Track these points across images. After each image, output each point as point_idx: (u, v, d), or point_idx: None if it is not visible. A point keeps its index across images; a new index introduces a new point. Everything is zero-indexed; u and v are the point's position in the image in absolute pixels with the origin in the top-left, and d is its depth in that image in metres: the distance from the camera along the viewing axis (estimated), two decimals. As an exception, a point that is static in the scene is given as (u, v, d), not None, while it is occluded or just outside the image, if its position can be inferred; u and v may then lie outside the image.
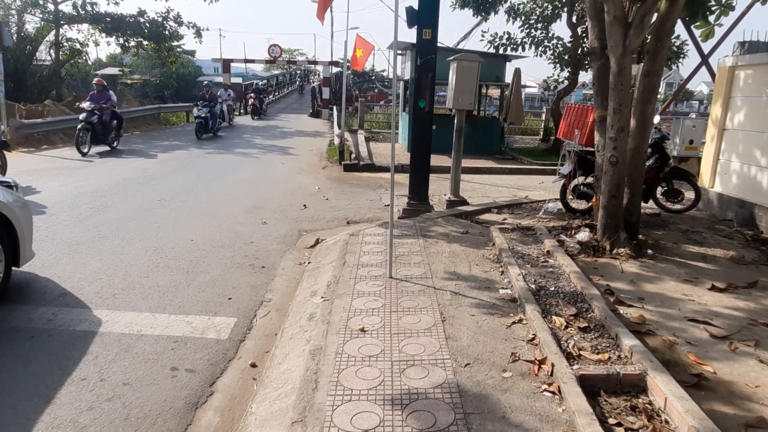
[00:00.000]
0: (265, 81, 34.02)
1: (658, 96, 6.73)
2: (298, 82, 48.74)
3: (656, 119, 7.75)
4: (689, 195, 7.35)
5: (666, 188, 7.32)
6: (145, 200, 7.67)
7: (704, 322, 3.83)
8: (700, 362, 3.24)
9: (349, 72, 26.74)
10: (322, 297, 4.19)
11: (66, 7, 20.34)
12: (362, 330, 3.53)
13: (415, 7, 6.53)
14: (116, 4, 20.84)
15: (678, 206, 7.33)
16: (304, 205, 7.89)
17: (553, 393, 2.79)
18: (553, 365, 2.96)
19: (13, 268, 4.24)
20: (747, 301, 4.28)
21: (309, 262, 5.39)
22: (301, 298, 4.40)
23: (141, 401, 2.94)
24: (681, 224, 6.66)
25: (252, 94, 24.45)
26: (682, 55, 13.26)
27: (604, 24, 5.31)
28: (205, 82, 23.87)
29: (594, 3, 5.60)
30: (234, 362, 3.46)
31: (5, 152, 8.98)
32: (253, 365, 3.43)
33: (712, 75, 9.32)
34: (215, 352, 3.54)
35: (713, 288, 4.53)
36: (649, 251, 5.41)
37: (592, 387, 2.83)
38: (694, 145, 9.67)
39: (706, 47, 11.50)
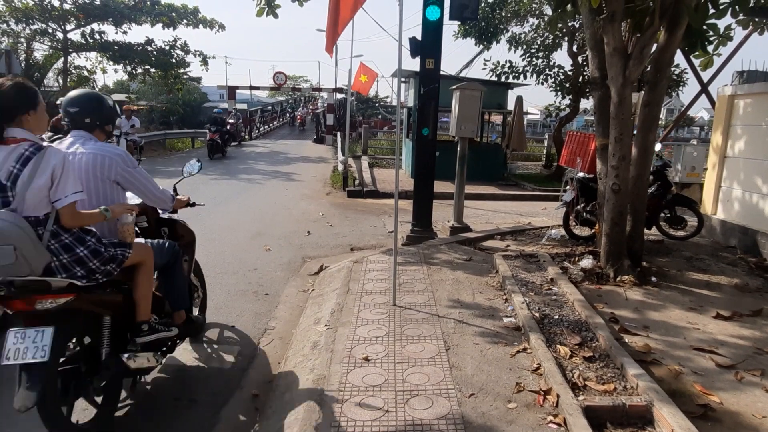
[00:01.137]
0: (232, 110, 24.08)
1: (660, 122, 6.82)
2: (289, 112, 38.62)
3: (657, 147, 7.82)
4: (692, 222, 7.37)
5: (669, 215, 7.34)
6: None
7: (710, 351, 3.81)
8: (707, 392, 3.21)
9: (353, 98, 27.09)
10: (325, 325, 4.18)
11: (75, 36, 20.78)
12: (366, 359, 3.52)
13: (419, 37, 6.67)
14: (124, 33, 21.24)
15: (681, 233, 7.34)
16: (308, 232, 7.92)
17: (559, 425, 2.76)
18: (558, 396, 2.94)
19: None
20: (752, 330, 4.25)
21: (313, 290, 5.39)
22: (305, 326, 4.39)
23: (143, 432, 2.92)
24: (684, 251, 6.65)
25: (210, 127, 17.68)
26: (681, 84, 13.43)
27: (604, 55, 5.41)
28: (216, 109, 23.83)
29: (594, 34, 5.71)
30: (237, 392, 3.44)
31: None
32: (256, 395, 3.41)
33: (712, 103, 9.43)
34: (218, 381, 3.52)
35: (718, 316, 4.51)
36: (653, 279, 5.40)
37: (598, 418, 2.80)
38: (696, 171, 9.74)
39: (705, 75, 11.64)
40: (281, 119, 38.59)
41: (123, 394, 3.19)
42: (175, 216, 3.79)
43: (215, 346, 4.01)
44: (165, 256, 3.21)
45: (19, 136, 2.39)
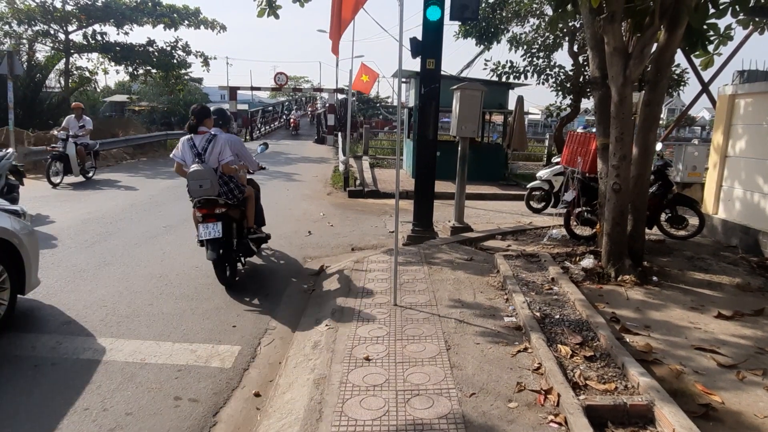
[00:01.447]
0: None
1: (661, 122, 6.83)
2: (285, 116, 36.31)
3: (658, 146, 7.82)
4: (693, 221, 7.36)
5: (670, 215, 7.34)
6: (151, 227, 7.72)
7: (711, 350, 3.80)
8: (708, 392, 3.20)
9: (354, 99, 27.06)
10: (326, 325, 4.18)
11: (77, 37, 20.82)
12: (367, 359, 3.51)
13: (419, 37, 6.67)
14: (126, 34, 21.31)
15: (682, 233, 7.33)
16: (309, 232, 7.92)
17: (560, 424, 2.76)
18: (559, 395, 2.94)
19: (19, 295, 4.26)
20: (754, 329, 4.24)
21: (313, 290, 5.39)
22: (306, 326, 4.39)
23: None
24: (686, 251, 6.64)
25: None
26: (682, 83, 13.41)
27: (604, 54, 5.40)
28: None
29: (594, 34, 5.71)
30: (238, 391, 3.44)
31: (15, 178, 9.16)
32: (257, 395, 3.41)
33: (713, 102, 9.42)
34: (219, 381, 3.53)
35: (719, 316, 4.50)
36: (654, 278, 5.39)
37: (599, 418, 2.80)
38: (697, 171, 9.73)
39: (706, 75, 11.65)
40: (282, 120, 38.30)
41: (129, 391, 3.20)
42: (252, 176, 6.35)
43: (216, 346, 4.02)
44: (255, 194, 5.97)
45: (203, 130, 5.22)
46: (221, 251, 5.11)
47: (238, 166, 5.47)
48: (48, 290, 4.89)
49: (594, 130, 7.11)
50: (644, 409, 2.86)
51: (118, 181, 12.34)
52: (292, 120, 33.06)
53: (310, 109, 42.06)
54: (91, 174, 12.33)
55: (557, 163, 10.29)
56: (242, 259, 5.71)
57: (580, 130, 9.64)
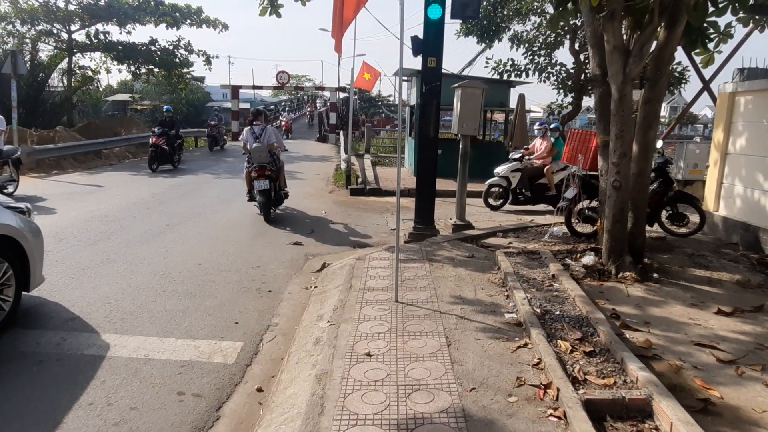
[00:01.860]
0: (215, 108, 25.07)
1: (663, 120, 6.85)
2: (281, 118, 30.94)
3: (659, 144, 7.84)
4: (694, 219, 7.37)
5: (671, 212, 7.35)
6: (154, 225, 7.77)
7: (711, 346, 3.82)
8: (707, 387, 3.23)
9: (356, 97, 27.06)
10: (328, 321, 4.22)
11: (79, 36, 20.89)
12: (368, 354, 3.55)
13: (420, 36, 6.69)
14: (128, 33, 21.37)
15: (683, 230, 7.34)
16: (311, 230, 7.96)
17: (559, 418, 2.79)
18: (558, 390, 2.97)
19: (23, 292, 4.30)
20: (753, 325, 4.26)
21: (315, 287, 5.43)
22: (308, 323, 4.43)
23: (148, 426, 2.96)
24: (686, 248, 6.66)
25: (155, 129, 14.89)
26: (684, 81, 13.38)
27: (604, 52, 5.42)
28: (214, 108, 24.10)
29: (594, 32, 5.72)
30: (240, 387, 3.48)
31: (18, 172, 9.55)
32: (260, 390, 3.45)
33: (714, 100, 9.42)
34: (222, 376, 3.57)
35: (719, 312, 4.52)
36: (655, 275, 5.41)
37: (597, 412, 2.82)
38: (699, 168, 9.74)
39: (707, 73, 11.61)
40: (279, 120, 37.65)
41: (133, 386, 3.24)
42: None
43: (219, 342, 4.05)
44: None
45: (257, 123, 8.85)
46: (267, 198, 8.33)
47: (276, 145, 8.84)
48: (52, 287, 4.94)
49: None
50: (643, 403, 2.88)
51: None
52: (284, 123, 30.01)
53: (308, 108, 40.31)
54: (11, 189, 9.50)
55: (515, 159, 10.38)
56: (276, 205, 8.94)
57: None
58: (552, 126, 10.71)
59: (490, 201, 10.27)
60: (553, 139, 10.40)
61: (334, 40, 5.07)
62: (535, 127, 10.91)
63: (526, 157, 10.48)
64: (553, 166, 10.21)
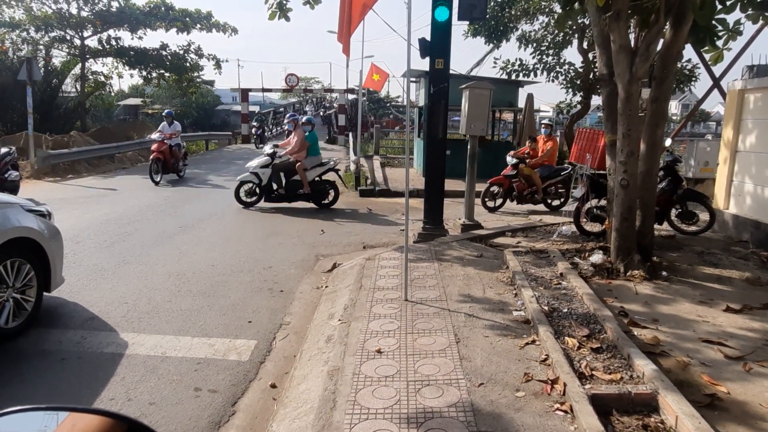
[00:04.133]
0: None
1: (674, 118, 6.86)
2: (286, 123, 24.06)
3: (668, 142, 7.84)
4: (704, 217, 7.36)
5: (680, 210, 7.35)
6: (167, 227, 7.91)
7: (718, 343, 3.85)
8: (714, 383, 3.26)
9: (365, 98, 27.15)
10: (339, 320, 4.30)
11: (92, 42, 21.21)
12: (379, 351, 3.63)
13: (428, 38, 6.76)
14: (140, 38, 21.65)
15: (693, 228, 7.34)
16: (322, 230, 8.05)
17: (566, 412, 2.85)
18: (565, 385, 3.02)
19: (44, 293, 4.44)
20: (762, 322, 4.28)
21: (326, 286, 5.51)
22: (319, 321, 4.52)
23: (167, 420, 3.07)
24: (696, 246, 6.67)
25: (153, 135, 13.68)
26: (694, 78, 13.33)
27: (611, 52, 5.46)
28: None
29: (601, 32, 5.76)
30: (255, 383, 3.57)
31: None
32: (273, 386, 3.54)
33: (724, 97, 9.39)
34: (236, 373, 3.66)
35: (728, 309, 4.54)
36: (664, 273, 5.43)
37: (604, 406, 2.88)
38: (710, 166, 9.71)
39: (717, 70, 11.58)
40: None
41: (151, 383, 3.36)
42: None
43: (233, 340, 4.16)
44: None
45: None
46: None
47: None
48: (71, 288, 5.07)
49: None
50: (648, 398, 2.94)
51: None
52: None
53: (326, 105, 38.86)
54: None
55: (269, 155, 9.79)
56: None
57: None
58: (304, 119, 10.40)
59: (242, 197, 9.70)
60: (307, 133, 9.95)
61: (341, 43, 5.15)
62: (543, 123, 10.80)
63: (279, 152, 9.94)
64: (307, 163, 9.81)
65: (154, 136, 12.92)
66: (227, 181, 13.36)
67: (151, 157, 12.35)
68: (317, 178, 9.93)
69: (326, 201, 10.02)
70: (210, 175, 14.47)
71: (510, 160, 9.94)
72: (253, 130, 22.94)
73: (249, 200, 9.74)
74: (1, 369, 3.59)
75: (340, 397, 3.06)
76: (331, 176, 10.21)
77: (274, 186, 9.78)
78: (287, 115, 11.16)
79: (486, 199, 9.85)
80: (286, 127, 10.78)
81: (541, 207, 10.01)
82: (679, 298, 4.81)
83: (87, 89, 21.98)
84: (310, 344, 4.08)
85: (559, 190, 9.90)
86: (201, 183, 12.90)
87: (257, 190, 9.74)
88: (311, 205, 9.98)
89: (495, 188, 9.91)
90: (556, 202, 9.96)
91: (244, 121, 27.07)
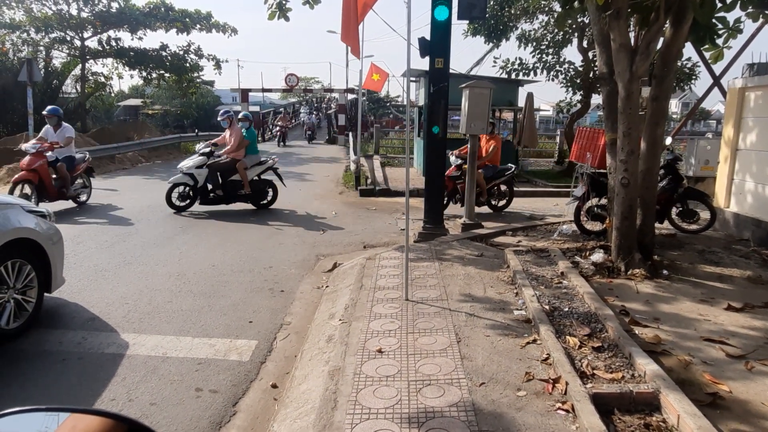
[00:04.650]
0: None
1: (675, 116, 6.86)
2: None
3: (668, 141, 7.83)
4: (705, 215, 7.36)
5: (681, 209, 7.34)
6: (168, 227, 7.91)
7: (720, 341, 3.84)
8: (716, 381, 3.26)
9: (365, 98, 27.15)
10: (340, 320, 4.30)
11: (92, 43, 21.19)
12: (379, 351, 3.62)
13: (427, 37, 6.76)
14: (140, 39, 21.63)
15: (694, 227, 7.33)
16: (322, 230, 8.05)
17: (567, 411, 2.84)
18: (566, 384, 3.02)
19: (45, 293, 4.43)
20: (764, 321, 4.27)
21: (327, 286, 5.51)
22: (320, 321, 4.52)
23: (168, 420, 3.06)
24: (697, 244, 6.66)
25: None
26: (694, 77, 13.33)
27: (611, 50, 5.45)
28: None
29: (601, 30, 5.75)
30: (255, 383, 3.57)
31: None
32: (274, 386, 3.53)
33: (724, 95, 9.38)
34: (237, 373, 3.66)
35: (729, 308, 4.53)
36: (665, 272, 5.43)
37: (605, 405, 2.88)
38: (710, 165, 9.69)
39: (717, 68, 11.57)
40: (294, 120, 37.53)
41: (152, 383, 3.35)
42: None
43: (234, 340, 4.16)
44: None
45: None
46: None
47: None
48: (72, 288, 5.07)
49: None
50: (650, 397, 2.93)
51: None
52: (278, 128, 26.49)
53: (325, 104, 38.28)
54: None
55: (205, 154, 9.22)
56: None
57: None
58: (240, 115, 9.72)
59: (174, 201, 8.98)
60: (244, 131, 9.40)
61: (350, 46, 5.14)
62: (219, 117, 9.76)
63: (216, 152, 9.38)
64: (247, 161, 9.30)
65: (27, 146, 8.62)
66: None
67: (14, 179, 8.40)
68: (256, 178, 9.46)
69: (265, 201, 9.64)
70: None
71: (453, 160, 9.16)
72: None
73: (181, 204, 9.05)
74: (2, 370, 3.59)
75: (341, 397, 3.06)
76: (269, 174, 9.69)
77: (210, 187, 9.15)
78: (221, 111, 9.89)
79: (171, 200, 9.05)
80: (222, 124, 9.62)
81: (485, 209, 9.41)
82: (681, 297, 4.80)
83: (87, 90, 21.98)
84: (310, 344, 4.08)
85: (503, 191, 9.54)
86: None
87: (191, 193, 9.08)
88: (250, 206, 9.49)
89: (181, 187, 9.10)
90: (501, 203, 9.59)
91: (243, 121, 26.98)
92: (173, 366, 3.69)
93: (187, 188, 9.08)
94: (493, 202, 9.57)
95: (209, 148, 9.36)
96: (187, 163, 9.20)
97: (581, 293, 4.67)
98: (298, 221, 8.75)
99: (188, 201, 9.10)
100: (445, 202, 8.66)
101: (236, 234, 7.69)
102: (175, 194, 9.04)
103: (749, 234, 6.90)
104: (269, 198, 9.72)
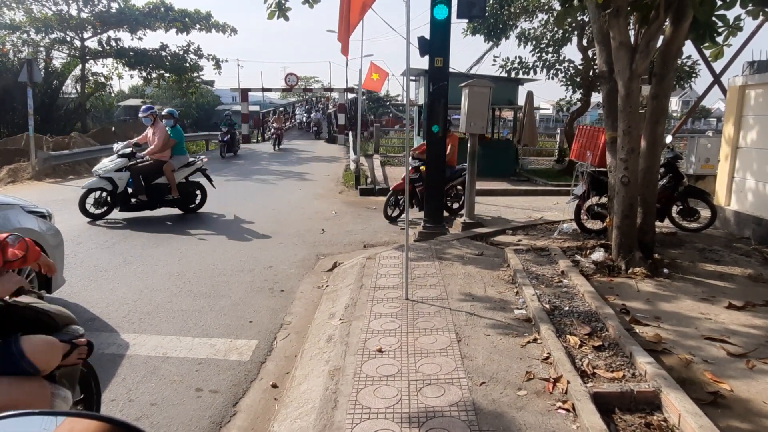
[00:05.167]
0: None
1: (675, 115, 6.85)
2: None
3: (668, 139, 7.82)
4: (705, 213, 7.35)
5: (681, 207, 7.33)
6: (168, 227, 7.90)
7: (721, 340, 3.84)
8: (717, 380, 3.25)
9: (364, 98, 27.14)
10: (340, 319, 4.29)
11: (92, 43, 21.24)
12: (380, 351, 3.62)
13: (427, 36, 6.75)
14: (139, 39, 21.68)
15: (694, 225, 7.32)
16: (322, 230, 8.05)
17: (568, 410, 2.84)
18: (567, 383, 3.01)
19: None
20: (765, 319, 4.27)
21: (327, 286, 5.51)
22: (320, 321, 4.51)
23: (168, 420, 3.06)
24: (697, 243, 6.65)
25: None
26: (694, 75, 13.31)
27: (611, 49, 5.44)
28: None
29: (601, 29, 5.74)
30: (256, 383, 3.57)
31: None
32: (275, 386, 3.53)
33: (725, 93, 9.37)
34: (238, 373, 3.66)
35: (730, 306, 4.53)
36: (665, 270, 5.42)
37: (606, 404, 2.87)
38: (710, 163, 9.68)
39: (717, 66, 11.54)
40: (293, 120, 37.67)
41: (153, 383, 3.36)
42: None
43: (234, 340, 4.15)
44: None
45: None
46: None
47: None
48: (72, 289, 5.06)
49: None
50: (651, 396, 2.93)
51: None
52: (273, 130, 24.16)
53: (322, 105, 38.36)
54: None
55: (125, 155, 8.27)
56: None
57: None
58: (165, 112, 8.96)
59: (89, 208, 8.05)
60: (169, 129, 8.58)
61: (341, 43, 5.13)
62: (140, 114, 8.90)
63: (138, 153, 8.54)
64: (174, 163, 8.56)
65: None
66: (228, 180, 13.35)
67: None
68: (184, 180, 8.77)
69: (194, 205, 8.98)
70: (211, 175, 14.43)
71: (412, 162, 8.48)
72: (220, 136, 19.19)
73: (98, 212, 8.11)
74: (2, 371, 3.58)
75: (342, 396, 3.06)
76: (198, 176, 9.11)
77: (131, 191, 8.28)
78: (143, 108, 8.95)
79: (388, 208, 8.59)
80: (144, 122, 8.74)
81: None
82: (681, 296, 4.79)
83: (87, 90, 22.00)
84: (311, 344, 4.07)
85: (460, 192, 8.68)
86: (203, 184, 12.80)
87: (109, 199, 8.13)
88: (177, 210, 8.88)
89: (399, 196, 8.49)
90: (456, 205, 8.81)
91: (244, 120, 27.05)
92: (173, 366, 3.69)
93: (104, 194, 8.14)
94: (450, 204, 8.77)
95: (130, 149, 8.41)
96: (105, 166, 8.22)
97: (582, 292, 4.66)
98: (298, 221, 8.74)
99: (105, 208, 8.15)
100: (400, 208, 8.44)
101: (235, 234, 7.68)
102: (90, 200, 8.10)
103: (750, 232, 6.89)
104: (197, 201, 9.05)
